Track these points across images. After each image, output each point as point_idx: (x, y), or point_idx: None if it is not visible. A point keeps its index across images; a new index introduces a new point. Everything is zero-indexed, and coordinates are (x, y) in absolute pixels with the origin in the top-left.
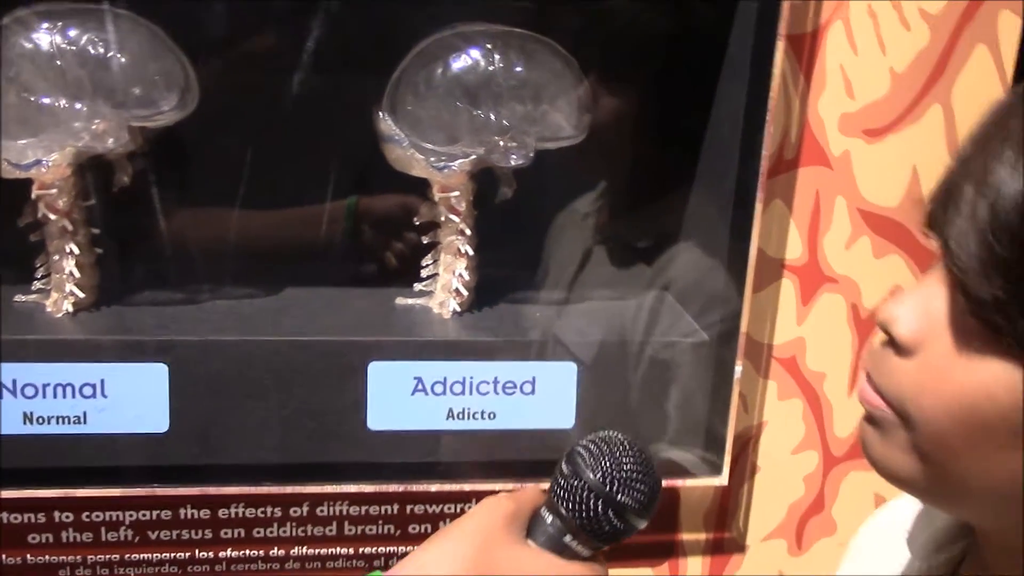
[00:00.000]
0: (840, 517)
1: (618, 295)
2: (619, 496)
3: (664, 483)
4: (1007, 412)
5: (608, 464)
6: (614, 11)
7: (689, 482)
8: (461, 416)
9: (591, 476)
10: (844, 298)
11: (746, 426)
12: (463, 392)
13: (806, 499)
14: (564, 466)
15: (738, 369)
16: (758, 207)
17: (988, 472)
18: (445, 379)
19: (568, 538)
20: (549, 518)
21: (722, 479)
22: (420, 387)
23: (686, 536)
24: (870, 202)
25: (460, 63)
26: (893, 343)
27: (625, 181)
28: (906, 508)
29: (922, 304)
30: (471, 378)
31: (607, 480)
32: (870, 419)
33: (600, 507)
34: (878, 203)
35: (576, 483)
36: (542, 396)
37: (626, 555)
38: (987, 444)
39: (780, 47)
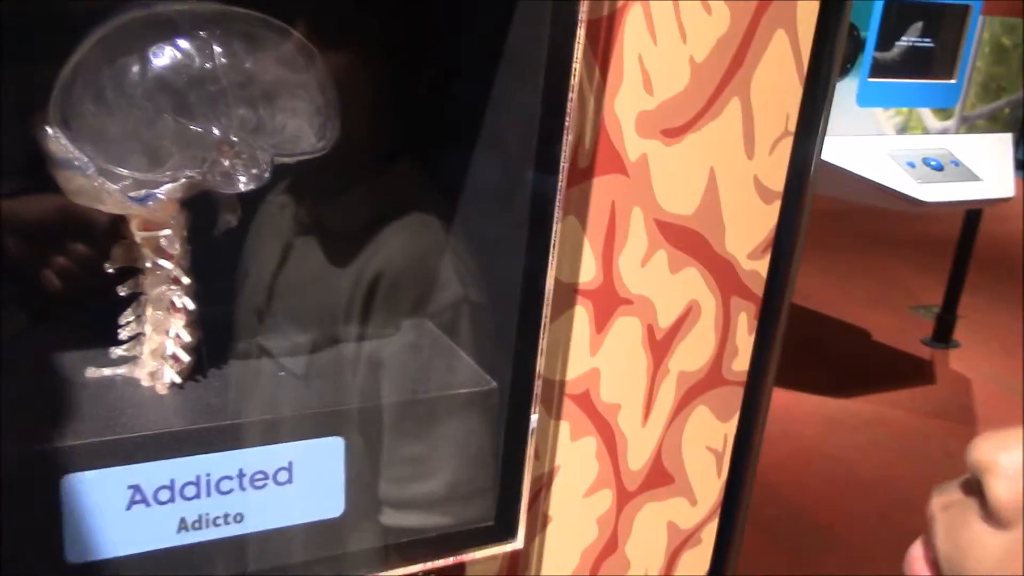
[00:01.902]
0: (633, 554)
1: (376, 332)
2: None
3: (452, 560)
4: None
5: None
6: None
7: (479, 554)
8: (198, 526)
9: None
10: (640, 320)
11: (537, 475)
12: (197, 495)
13: (599, 542)
14: None
15: (534, 418)
16: (556, 228)
17: None
18: (172, 482)
19: None
20: None
21: (517, 543)
22: (139, 497)
23: None
24: (667, 211)
25: (164, 58)
26: (982, 500)
27: (369, 198)
28: None
29: None
30: (207, 475)
31: None
32: None
33: None
34: (674, 211)
35: None
36: (301, 484)
37: None
38: None
39: (580, 34)
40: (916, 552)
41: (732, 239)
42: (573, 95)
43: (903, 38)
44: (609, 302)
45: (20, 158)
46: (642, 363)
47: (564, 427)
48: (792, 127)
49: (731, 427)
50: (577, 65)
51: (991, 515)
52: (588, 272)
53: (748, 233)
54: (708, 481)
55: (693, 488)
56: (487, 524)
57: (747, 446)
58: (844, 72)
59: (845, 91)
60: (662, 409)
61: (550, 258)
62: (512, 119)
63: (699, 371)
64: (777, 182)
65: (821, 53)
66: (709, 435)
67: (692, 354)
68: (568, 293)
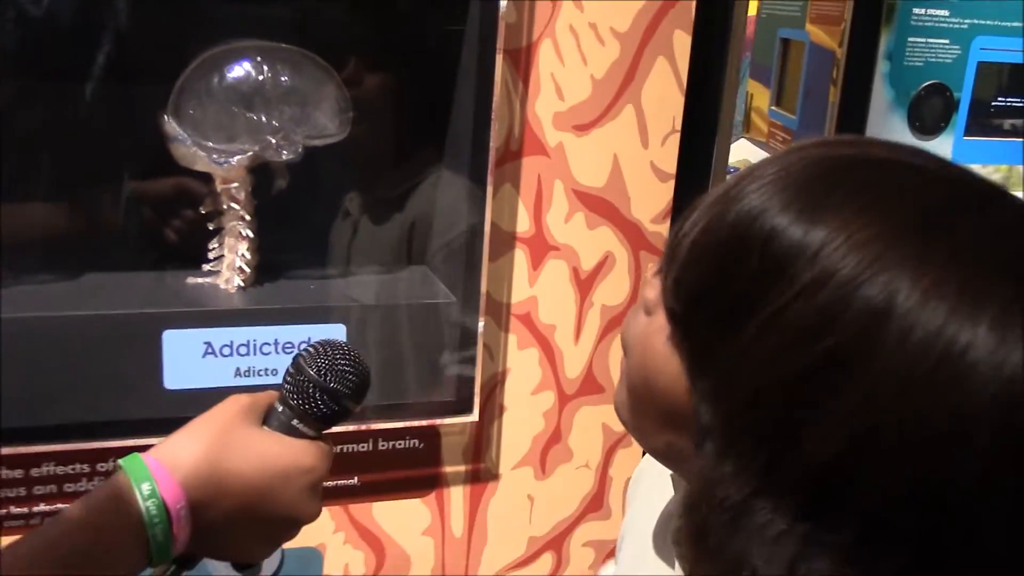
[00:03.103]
0: (575, 445)
1: (385, 270)
2: (332, 384)
3: (425, 423)
4: (668, 398)
5: (324, 361)
6: (370, 31)
7: (447, 420)
8: (248, 374)
9: (310, 371)
10: (566, 263)
11: (492, 373)
12: (248, 353)
13: (546, 432)
14: (290, 366)
15: (480, 324)
16: (489, 190)
17: (660, 438)
18: (232, 342)
19: (295, 422)
20: (280, 408)
21: (473, 416)
22: (210, 351)
23: (448, 469)
24: (582, 184)
25: (235, 73)
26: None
27: (386, 174)
28: None
29: None
30: (255, 341)
31: (323, 373)
32: (621, 374)
33: (318, 394)
34: (588, 184)
35: (299, 377)
36: None
37: (396, 489)
38: (651, 412)
39: (499, 60)
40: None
41: (636, 207)
42: (496, 97)
43: (999, 98)
44: (541, 247)
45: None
46: (571, 295)
47: (512, 338)
48: (678, 126)
49: None
50: (497, 77)
51: (644, 308)
52: (523, 224)
53: (649, 203)
54: None
55: None
56: (450, 399)
57: None
58: (938, 131)
59: (942, 149)
60: (590, 332)
61: (486, 209)
62: (463, 119)
63: (619, 306)
64: (670, 167)
65: (697, 69)
66: None
67: (612, 292)
68: (509, 239)
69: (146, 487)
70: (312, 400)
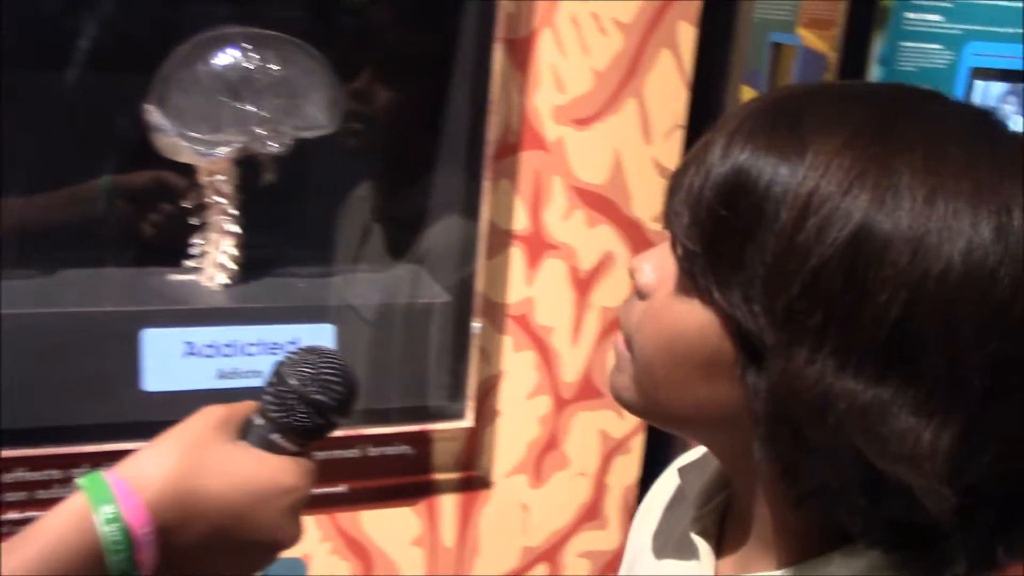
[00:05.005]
0: (572, 452)
1: (376, 268)
2: (316, 395)
3: (416, 428)
4: (695, 347)
5: (307, 369)
6: (365, 20)
7: (439, 426)
8: (231, 376)
9: (292, 380)
10: (565, 262)
11: (487, 376)
12: (232, 354)
13: (542, 438)
14: (271, 375)
15: (476, 326)
16: (486, 186)
17: (686, 398)
18: (215, 342)
19: (276, 436)
20: (259, 421)
21: (467, 422)
22: (192, 351)
23: (439, 476)
24: (582, 180)
25: (222, 60)
26: (636, 289)
27: (379, 168)
28: (685, 465)
29: (658, 259)
30: (239, 341)
31: (305, 383)
32: (616, 361)
33: (300, 406)
34: (589, 181)
35: (280, 388)
36: None
37: (384, 497)
38: (679, 374)
39: (498, 49)
40: (616, 337)
41: (637, 205)
42: (495, 88)
43: (992, 104)
44: (538, 246)
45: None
46: (568, 297)
47: (507, 340)
48: (681, 121)
49: None
50: (496, 67)
51: (640, 294)
52: (520, 222)
53: (651, 201)
54: None
55: None
56: (443, 404)
57: None
58: None
59: None
60: (588, 335)
61: (482, 206)
62: (460, 111)
63: (618, 308)
64: (673, 163)
65: (703, 63)
66: None
67: (611, 293)
68: (505, 236)
69: (108, 510)
70: (294, 413)
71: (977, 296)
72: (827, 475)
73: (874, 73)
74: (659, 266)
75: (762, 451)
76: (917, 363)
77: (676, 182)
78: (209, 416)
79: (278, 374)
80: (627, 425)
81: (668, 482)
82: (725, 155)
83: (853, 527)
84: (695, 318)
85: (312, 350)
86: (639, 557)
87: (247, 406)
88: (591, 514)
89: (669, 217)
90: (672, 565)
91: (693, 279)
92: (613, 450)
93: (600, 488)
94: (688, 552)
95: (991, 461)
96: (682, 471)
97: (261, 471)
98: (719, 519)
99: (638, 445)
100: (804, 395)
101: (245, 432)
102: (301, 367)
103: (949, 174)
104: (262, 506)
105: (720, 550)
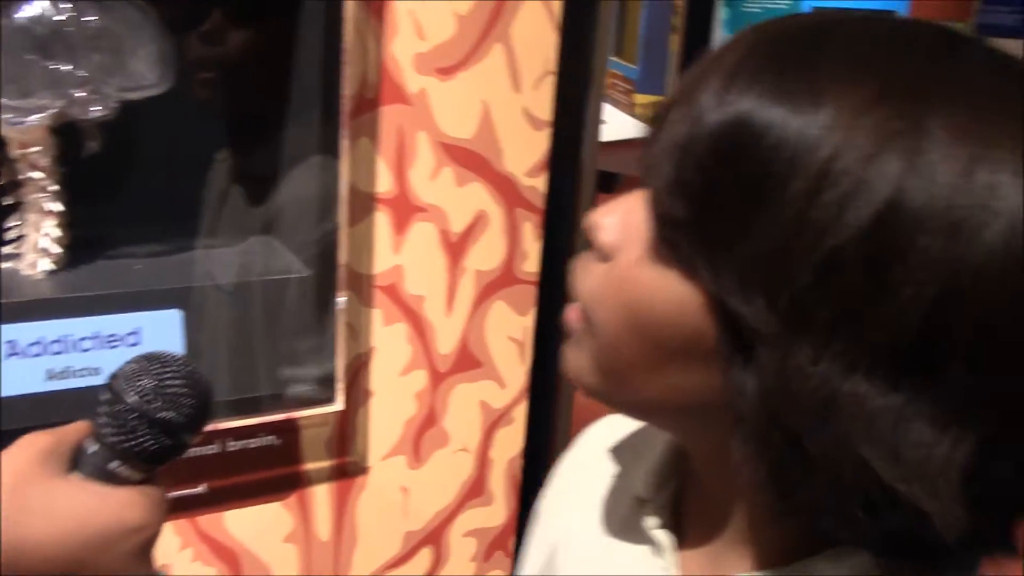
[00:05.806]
0: (451, 428)
1: (225, 243)
2: (161, 413)
3: (281, 416)
4: (668, 328)
5: (148, 382)
6: None
7: (307, 412)
8: (63, 376)
9: (130, 397)
10: (435, 225)
11: (356, 353)
12: (63, 351)
13: (419, 416)
14: (103, 392)
15: (340, 300)
16: (344, 145)
17: (657, 383)
18: (42, 339)
19: (114, 465)
20: (93, 447)
21: (337, 405)
22: (15, 351)
23: (310, 466)
24: (449, 135)
25: (26, 12)
26: (595, 248)
27: (221, 131)
28: (611, 429)
29: (624, 214)
30: (71, 336)
31: (147, 398)
32: (568, 335)
33: (142, 427)
34: (456, 136)
35: (116, 406)
36: (149, 346)
37: (250, 494)
38: (645, 355)
39: None
40: (568, 309)
41: (510, 160)
42: (348, 36)
43: None
44: (405, 209)
45: None
46: (440, 262)
47: (377, 314)
48: (552, 67)
49: (529, 320)
50: (348, 17)
51: (599, 255)
52: (384, 184)
53: (523, 154)
54: (513, 367)
55: (500, 373)
56: (309, 388)
57: (548, 337)
58: None
59: None
60: (463, 302)
61: (341, 168)
62: (309, 64)
63: (493, 271)
64: (545, 112)
65: (571, 4)
66: (509, 327)
67: (485, 256)
68: (368, 201)
69: None
70: (135, 435)
71: (1018, 297)
72: (822, 485)
73: (720, 15)
74: (624, 223)
75: (744, 453)
76: (939, 369)
77: (655, 126)
78: (29, 447)
79: (112, 390)
80: (508, 395)
81: (588, 464)
82: (721, 99)
83: (843, 536)
84: (671, 292)
85: (151, 357)
86: (567, 548)
87: (76, 430)
88: (475, 491)
89: (646, 170)
90: (620, 558)
91: (673, 247)
92: (495, 422)
93: (483, 463)
94: (637, 541)
95: (1007, 480)
96: (615, 452)
97: (100, 509)
98: (673, 509)
99: (521, 415)
100: (805, 398)
101: (76, 462)
102: (139, 379)
103: (993, 140)
104: (105, 552)
105: (679, 543)
